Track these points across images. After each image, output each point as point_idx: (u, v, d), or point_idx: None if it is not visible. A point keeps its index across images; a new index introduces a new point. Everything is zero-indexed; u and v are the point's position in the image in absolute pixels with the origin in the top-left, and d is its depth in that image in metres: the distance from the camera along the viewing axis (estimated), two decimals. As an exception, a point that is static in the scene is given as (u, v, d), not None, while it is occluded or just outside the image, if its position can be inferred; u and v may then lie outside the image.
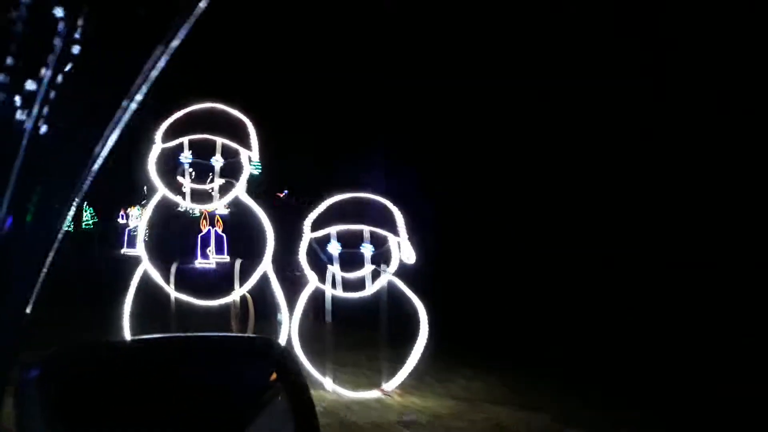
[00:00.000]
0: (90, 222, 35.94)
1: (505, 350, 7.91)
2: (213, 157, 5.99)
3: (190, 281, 6.21)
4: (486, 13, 15.28)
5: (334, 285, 6.00)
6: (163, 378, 1.55)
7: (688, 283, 12.25)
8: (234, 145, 5.97)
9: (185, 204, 6.06)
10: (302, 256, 6.01)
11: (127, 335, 5.83)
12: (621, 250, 14.54)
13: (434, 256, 6.28)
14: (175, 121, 6.05)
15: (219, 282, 6.25)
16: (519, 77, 16.20)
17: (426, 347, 6.00)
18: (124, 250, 26.08)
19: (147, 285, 6.10)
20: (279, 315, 6.08)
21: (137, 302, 6.02)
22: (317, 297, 6.06)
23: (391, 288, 5.97)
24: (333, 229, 5.97)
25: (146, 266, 6.07)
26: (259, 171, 6.15)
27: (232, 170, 6.02)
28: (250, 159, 6.05)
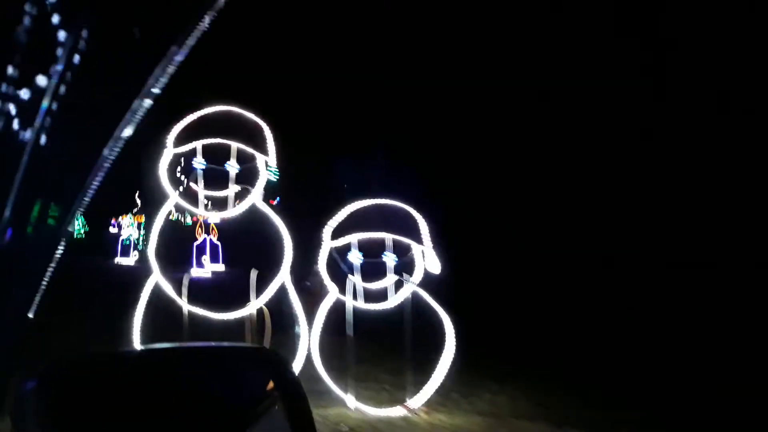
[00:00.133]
0: (81, 231, 35.45)
1: (527, 360, 7.69)
2: (227, 163, 5.70)
3: (203, 293, 5.91)
4: (490, 12, 15.13)
5: (355, 296, 5.72)
6: (159, 388, 1.57)
7: (688, 283, 12.25)
8: (250, 149, 5.69)
9: (198, 212, 5.76)
10: (321, 266, 5.73)
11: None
12: (621, 251, 14.45)
13: (453, 264, 5.98)
14: (188, 124, 5.77)
15: (234, 294, 5.94)
16: (519, 77, 16.09)
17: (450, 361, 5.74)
18: (118, 260, 25.68)
19: (158, 297, 5.79)
20: (297, 328, 5.79)
21: (148, 315, 5.71)
22: (338, 309, 5.78)
23: (415, 299, 5.69)
24: (354, 238, 5.70)
25: (158, 278, 5.76)
26: (277, 177, 5.84)
27: (247, 176, 5.74)
28: (267, 164, 5.76)
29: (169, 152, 5.75)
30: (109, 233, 36.94)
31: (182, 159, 5.77)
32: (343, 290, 5.73)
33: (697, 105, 15.50)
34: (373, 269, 5.70)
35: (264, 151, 5.70)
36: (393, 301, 5.67)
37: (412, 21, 15.82)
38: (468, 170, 17.49)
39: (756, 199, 14.38)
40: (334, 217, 5.75)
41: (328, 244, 5.71)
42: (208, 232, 25.32)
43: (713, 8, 14.11)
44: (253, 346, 2.54)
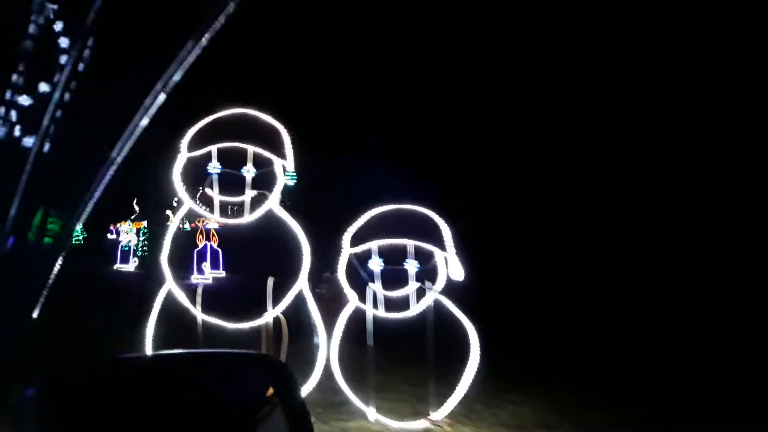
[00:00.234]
0: (80, 237, 35.15)
1: (547, 367, 7.56)
2: (244, 167, 5.52)
3: (218, 302, 5.72)
4: (495, 12, 15.02)
5: (375, 304, 5.54)
6: (160, 394, 1.58)
7: (688, 283, 12.30)
8: (267, 153, 5.51)
9: (214, 218, 5.56)
10: (341, 274, 5.55)
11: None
12: (621, 251, 14.53)
13: (475, 271, 5.80)
14: (202, 128, 5.59)
15: (250, 302, 5.74)
16: (517, 78, 16.00)
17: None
18: (117, 266, 25.43)
19: (171, 306, 5.60)
20: (315, 338, 5.60)
21: (161, 324, 5.52)
22: (356, 317, 5.59)
23: (437, 307, 5.51)
24: (374, 244, 5.51)
25: (171, 286, 5.56)
26: (295, 181, 5.65)
27: (264, 181, 5.55)
28: (285, 169, 5.58)
29: (183, 156, 5.57)
30: (107, 239, 36.76)
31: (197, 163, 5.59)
32: (363, 298, 5.54)
33: (700, 105, 15.45)
34: (394, 276, 5.51)
35: (281, 154, 5.52)
36: (415, 309, 5.48)
37: (431, 22, 15.73)
38: (489, 173, 17.32)
39: (756, 199, 14.37)
40: (354, 223, 5.57)
41: (347, 250, 5.53)
42: (208, 239, 24.97)
43: (717, 8, 14.07)
44: (253, 352, 2.63)
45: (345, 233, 5.56)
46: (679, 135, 16.14)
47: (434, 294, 5.47)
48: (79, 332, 8.21)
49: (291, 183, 5.67)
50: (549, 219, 16.28)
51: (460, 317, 5.44)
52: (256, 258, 6.16)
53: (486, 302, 7.27)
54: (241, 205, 5.55)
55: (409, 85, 16.34)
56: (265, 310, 5.59)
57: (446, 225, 5.51)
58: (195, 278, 17.78)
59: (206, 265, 21.91)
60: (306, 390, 5.46)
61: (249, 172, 5.51)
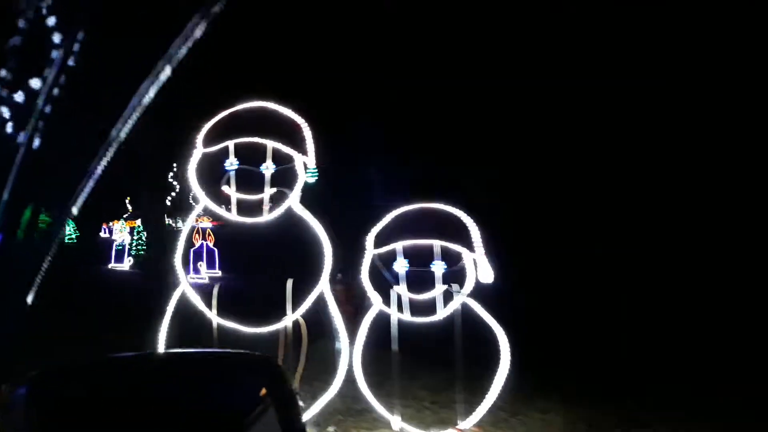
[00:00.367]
0: (73, 236, 34.69)
1: (576, 373, 7.32)
2: (263, 164, 5.26)
3: (234, 304, 5.45)
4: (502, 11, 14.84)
5: (400, 308, 5.29)
6: (152, 394, 1.57)
7: (688, 283, 12.26)
8: (287, 149, 5.24)
9: (231, 217, 5.29)
10: (364, 275, 5.30)
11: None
12: (622, 251, 14.42)
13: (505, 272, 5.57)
14: (219, 122, 5.33)
15: (268, 305, 5.48)
16: (518, 77, 15.85)
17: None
18: (112, 265, 25.09)
19: (185, 308, 5.34)
20: (337, 343, 5.35)
21: (174, 328, 5.26)
22: (381, 321, 5.34)
23: (465, 312, 5.27)
24: (399, 245, 5.26)
25: (185, 288, 5.30)
26: (316, 179, 5.39)
27: (284, 178, 5.29)
28: (306, 165, 5.32)
29: (198, 152, 5.31)
30: (100, 238, 36.42)
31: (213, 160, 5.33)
32: (387, 301, 5.29)
33: (698, 105, 15.39)
34: (419, 279, 5.26)
35: (303, 150, 5.26)
36: (441, 313, 5.23)
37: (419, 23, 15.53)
38: (517, 172, 17.12)
39: (756, 199, 14.31)
40: (378, 223, 5.33)
41: (371, 251, 5.28)
42: (204, 238, 24.66)
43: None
44: (246, 352, 2.40)
45: (369, 233, 5.31)
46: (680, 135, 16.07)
47: (462, 297, 5.23)
48: (75, 332, 8.05)
49: (312, 181, 5.42)
50: (578, 219, 16.08)
51: (490, 321, 5.19)
52: (274, 259, 5.87)
53: (513, 304, 7.03)
54: (260, 203, 5.29)
55: (442, 85, 16.16)
56: (284, 313, 5.32)
57: (475, 224, 5.27)
58: (191, 278, 17.60)
59: (202, 265, 21.68)
60: (327, 397, 5.22)
61: (268, 168, 5.25)
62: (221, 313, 5.29)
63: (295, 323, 5.39)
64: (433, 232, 5.26)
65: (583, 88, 15.40)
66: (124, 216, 37.09)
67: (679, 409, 6.26)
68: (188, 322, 5.35)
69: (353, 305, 5.40)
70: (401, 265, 5.24)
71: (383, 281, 5.29)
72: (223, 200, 5.32)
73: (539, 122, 16.84)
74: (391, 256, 5.27)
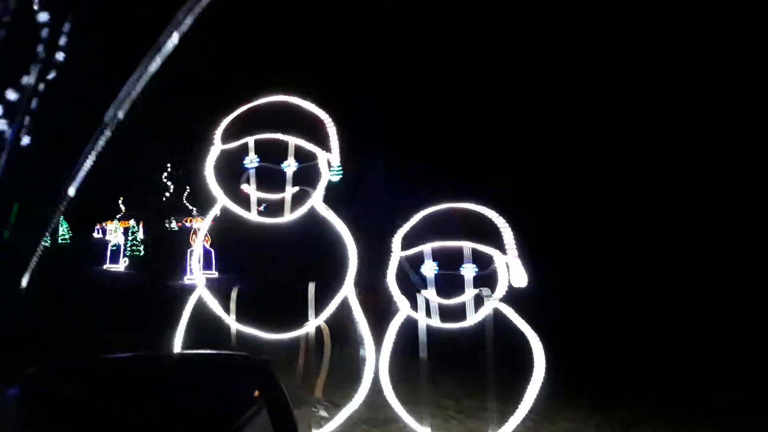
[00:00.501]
0: (66, 236, 34.27)
1: (605, 381, 7.09)
2: (284, 162, 4.99)
3: (253, 308, 5.19)
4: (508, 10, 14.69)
5: (428, 313, 5.03)
6: (146, 395, 1.58)
7: (688, 283, 12.22)
8: (310, 146, 4.98)
9: (250, 217, 5.02)
10: (390, 279, 5.04)
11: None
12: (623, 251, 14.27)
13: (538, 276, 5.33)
14: (238, 117, 5.06)
15: (289, 309, 5.21)
16: (518, 77, 15.70)
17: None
18: (107, 266, 24.71)
19: (201, 313, 5.08)
20: (362, 350, 5.08)
21: (190, 334, 5.00)
22: (409, 327, 5.08)
23: (497, 317, 5.01)
24: (427, 247, 5.00)
25: (201, 291, 5.03)
26: (340, 177, 5.13)
27: (307, 176, 5.03)
28: (330, 163, 5.06)
29: (216, 149, 5.05)
30: (93, 239, 35.94)
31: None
32: (414, 306, 5.04)
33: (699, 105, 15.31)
34: (449, 283, 5.00)
35: (327, 147, 5.00)
36: (472, 319, 4.98)
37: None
38: (552, 172, 16.94)
39: (756, 199, 14.23)
40: (405, 224, 5.07)
41: (398, 253, 5.03)
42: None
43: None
44: (239, 353, 2.58)
45: (395, 235, 5.06)
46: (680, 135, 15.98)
47: (494, 302, 4.98)
48: (72, 333, 7.84)
49: (336, 179, 5.16)
50: (578, 219, 15.90)
51: (523, 328, 4.94)
52: (296, 261, 5.61)
53: (544, 308, 6.81)
54: (281, 202, 5.03)
55: (475, 85, 15.99)
56: (306, 318, 5.07)
57: (507, 225, 5.02)
58: (188, 278, 17.41)
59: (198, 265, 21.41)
60: (352, 407, 4.97)
61: (290, 166, 4.99)
62: (239, 318, 5.04)
63: (318, 329, 5.13)
64: (462, 233, 5.01)
65: (605, 88, 15.27)
66: (118, 216, 36.72)
67: (679, 409, 6.15)
68: (206, 327, 5.09)
69: (379, 310, 5.14)
70: (429, 268, 4.99)
71: (410, 285, 5.03)
72: (243, 199, 5.05)
73: (561, 122, 16.69)
74: (419, 259, 5.01)
